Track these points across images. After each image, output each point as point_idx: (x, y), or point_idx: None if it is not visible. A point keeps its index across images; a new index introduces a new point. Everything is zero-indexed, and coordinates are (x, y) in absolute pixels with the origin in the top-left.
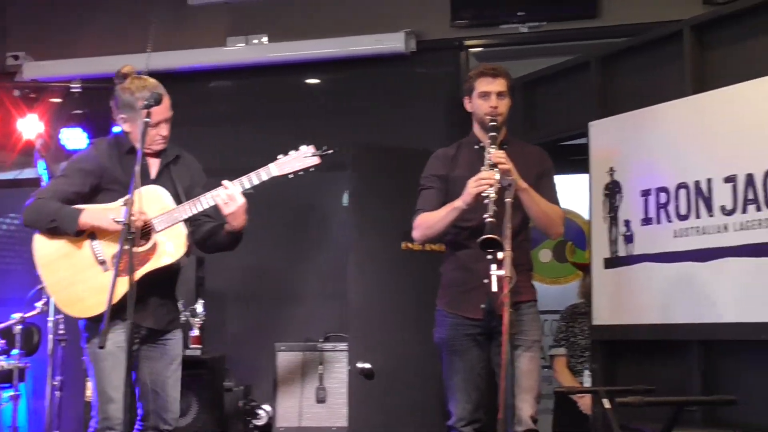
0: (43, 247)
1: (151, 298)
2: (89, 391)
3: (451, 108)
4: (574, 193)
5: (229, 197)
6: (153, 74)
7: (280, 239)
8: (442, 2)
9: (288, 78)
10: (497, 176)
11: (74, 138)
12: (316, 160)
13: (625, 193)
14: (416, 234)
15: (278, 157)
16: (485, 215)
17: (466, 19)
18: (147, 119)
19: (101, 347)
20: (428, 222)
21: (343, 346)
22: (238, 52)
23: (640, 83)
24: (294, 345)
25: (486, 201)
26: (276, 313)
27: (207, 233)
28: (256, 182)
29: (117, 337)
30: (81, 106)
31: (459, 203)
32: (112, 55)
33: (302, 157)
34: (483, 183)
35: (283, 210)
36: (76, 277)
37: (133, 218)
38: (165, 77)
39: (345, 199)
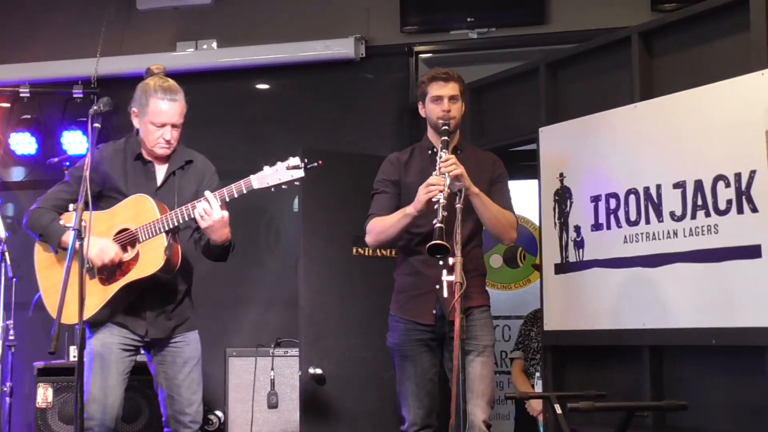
0: (40, 252)
1: (146, 307)
2: (40, 397)
3: (401, 113)
4: (524, 198)
5: (206, 211)
6: (102, 79)
7: (235, 246)
8: (391, 8)
9: (238, 83)
10: (447, 181)
11: (23, 143)
12: (300, 173)
13: (575, 199)
14: (369, 239)
15: (263, 167)
16: (435, 221)
17: (416, 25)
18: (96, 125)
19: (51, 352)
20: (381, 227)
21: (294, 351)
22: (188, 57)
23: (588, 89)
24: (245, 350)
25: (436, 207)
26: (227, 319)
27: (205, 243)
28: (236, 195)
29: (108, 339)
30: (30, 111)
31: (410, 210)
32: (62, 60)
33: (285, 170)
34: (432, 189)
35: (233, 215)
36: (71, 281)
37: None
38: (114, 82)
39: (295, 205)
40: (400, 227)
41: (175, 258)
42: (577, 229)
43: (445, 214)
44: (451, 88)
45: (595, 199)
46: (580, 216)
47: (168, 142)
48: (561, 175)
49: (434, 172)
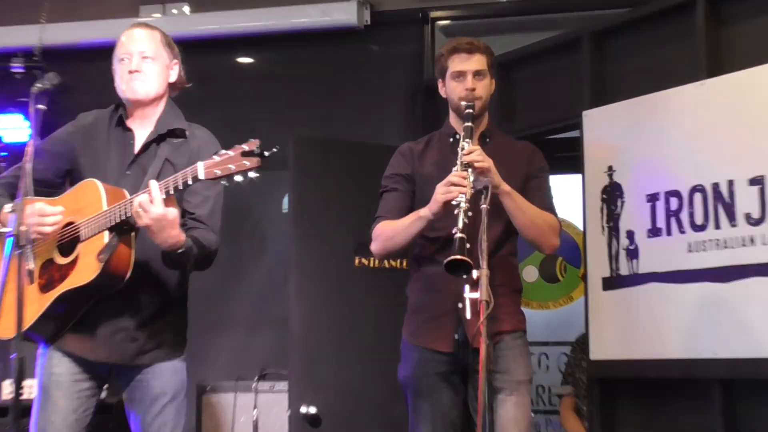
0: None
1: (99, 322)
2: None
3: (414, 94)
4: (564, 197)
5: (142, 206)
6: (48, 50)
7: None
8: None
9: (215, 56)
10: (471, 178)
11: None
12: (255, 162)
13: (628, 198)
14: (375, 247)
15: (213, 156)
16: (454, 230)
17: None
18: (41, 106)
19: None
20: (389, 232)
21: (282, 385)
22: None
23: (643, 64)
24: (222, 385)
25: (456, 211)
26: (201, 346)
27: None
28: (181, 186)
29: (56, 368)
30: None
31: (425, 212)
32: (2, 26)
33: (238, 157)
34: (453, 189)
35: None
36: (9, 286)
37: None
38: (63, 54)
39: (285, 205)
40: (413, 232)
41: (120, 264)
42: (630, 234)
43: (469, 215)
44: (476, 62)
45: (652, 198)
46: (634, 219)
47: (132, 72)
48: (610, 168)
49: (454, 168)
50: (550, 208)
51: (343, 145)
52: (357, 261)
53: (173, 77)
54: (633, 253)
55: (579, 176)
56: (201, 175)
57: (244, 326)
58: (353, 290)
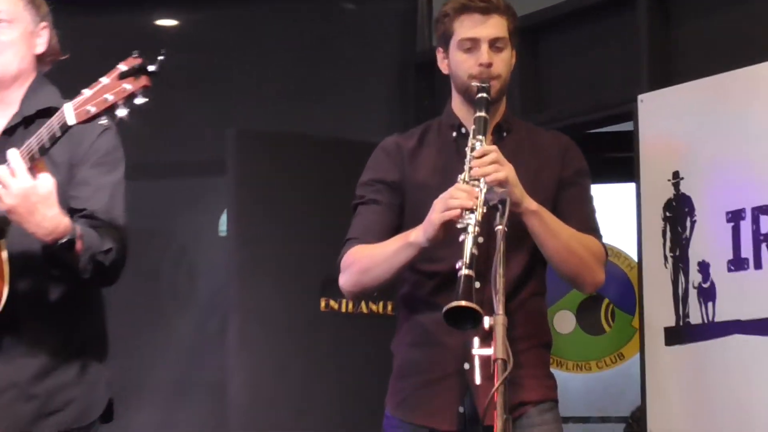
0: None
1: None
2: None
3: (403, 70)
4: (611, 215)
5: (3, 181)
6: None
7: (115, 295)
8: None
9: (123, 17)
10: (483, 190)
11: None
12: (139, 82)
13: (701, 217)
14: (345, 281)
15: (82, 91)
16: (459, 263)
17: None
18: None
19: None
20: (365, 261)
21: None
22: None
23: (726, 29)
24: None
25: (462, 237)
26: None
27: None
28: (48, 144)
29: None
30: None
31: (417, 237)
32: None
33: (115, 82)
34: (455, 203)
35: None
36: None
37: None
38: None
39: (222, 225)
40: (400, 264)
41: None
42: (704, 267)
43: (480, 242)
44: (493, 26)
45: (736, 217)
46: (710, 246)
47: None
48: (675, 175)
49: (460, 176)
50: (592, 229)
51: (306, 141)
52: (323, 303)
53: (41, 47)
54: (708, 294)
55: (632, 186)
56: (71, 119)
57: (167, 393)
58: (318, 344)
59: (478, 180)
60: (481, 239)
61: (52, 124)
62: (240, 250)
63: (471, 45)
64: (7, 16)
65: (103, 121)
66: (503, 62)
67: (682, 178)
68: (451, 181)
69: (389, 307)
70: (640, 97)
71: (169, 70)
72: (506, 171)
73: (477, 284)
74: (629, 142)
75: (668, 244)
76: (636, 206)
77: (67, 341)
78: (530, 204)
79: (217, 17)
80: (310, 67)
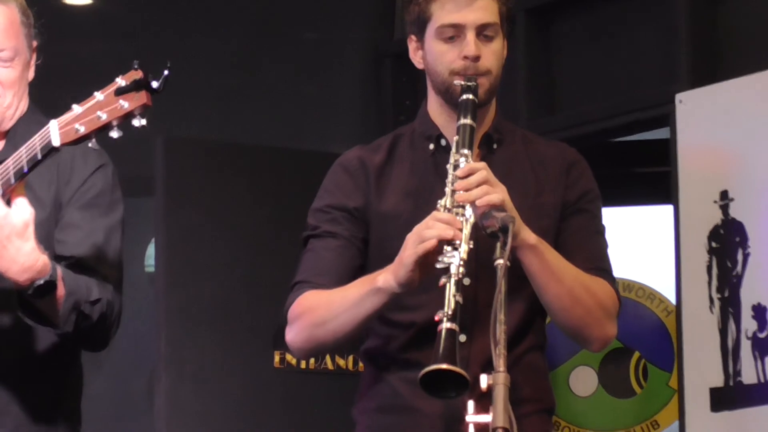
0: None
1: None
2: None
3: (369, 64)
4: (640, 245)
5: None
6: None
7: None
8: None
9: None
10: (469, 219)
11: None
12: (139, 99)
13: (757, 248)
14: (295, 336)
15: (72, 107)
16: (439, 314)
17: None
18: None
19: None
20: (321, 312)
21: None
22: None
23: None
24: None
25: (444, 279)
26: None
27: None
28: (26, 167)
29: None
30: None
31: (386, 281)
32: None
33: (111, 98)
34: (431, 236)
35: None
36: None
37: None
38: None
39: (149, 258)
40: (365, 314)
41: None
42: (761, 312)
43: (466, 285)
44: (481, 9)
45: None
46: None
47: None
48: (724, 196)
49: (440, 202)
50: (602, 269)
51: (255, 153)
52: (278, 358)
53: (32, 73)
54: (765, 346)
55: (668, 209)
56: (56, 140)
57: None
58: (271, 408)
59: (463, 207)
60: (467, 280)
61: (34, 143)
62: (171, 290)
63: (453, 33)
64: (9, 54)
65: (93, 145)
66: (494, 54)
67: (732, 200)
68: (427, 209)
69: (352, 363)
70: (678, 96)
71: (85, 59)
72: (500, 193)
73: (462, 337)
74: (665, 153)
75: (714, 282)
76: (674, 235)
77: (39, 390)
78: (527, 236)
79: None
80: (256, 59)
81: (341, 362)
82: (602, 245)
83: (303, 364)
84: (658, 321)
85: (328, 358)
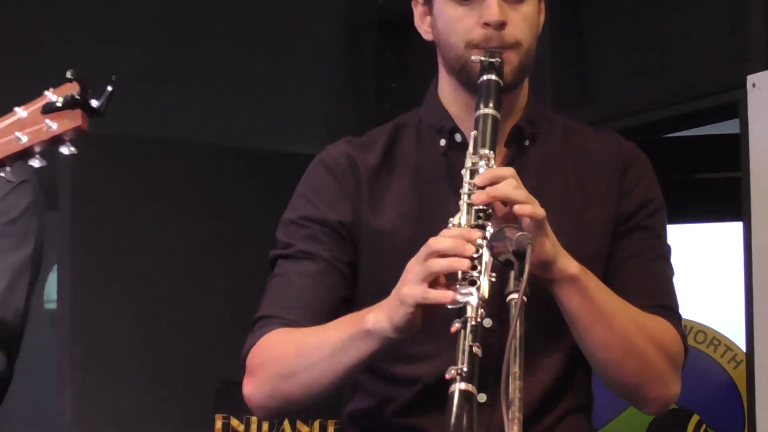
0: None
1: None
2: None
3: (355, 33)
4: (701, 274)
5: None
6: None
7: None
8: None
9: None
10: (487, 239)
11: None
12: (71, 121)
13: None
14: (255, 389)
15: None
16: (451, 370)
17: None
18: None
19: None
20: (291, 358)
21: None
22: None
23: None
24: None
25: (457, 324)
26: None
27: None
28: None
29: None
30: None
31: (380, 322)
32: None
33: (36, 117)
34: (441, 269)
35: None
36: None
37: None
38: None
39: (50, 293)
40: (350, 365)
41: None
42: None
43: (488, 326)
44: None
45: None
46: None
47: None
48: None
49: (453, 219)
50: (664, 306)
51: (192, 153)
52: (220, 423)
53: None
54: None
55: (737, 227)
56: None
57: None
58: None
59: (483, 227)
60: (488, 322)
61: None
62: (78, 334)
63: None
64: None
65: (8, 175)
66: (525, 20)
67: None
68: (436, 227)
69: (330, 431)
70: (750, 78)
71: None
72: (532, 207)
73: (482, 397)
74: (733, 153)
75: None
76: (744, 262)
77: None
78: (567, 265)
79: None
80: (193, 30)
81: (304, 429)
82: (666, 274)
83: (253, 430)
84: (723, 374)
85: (286, 423)
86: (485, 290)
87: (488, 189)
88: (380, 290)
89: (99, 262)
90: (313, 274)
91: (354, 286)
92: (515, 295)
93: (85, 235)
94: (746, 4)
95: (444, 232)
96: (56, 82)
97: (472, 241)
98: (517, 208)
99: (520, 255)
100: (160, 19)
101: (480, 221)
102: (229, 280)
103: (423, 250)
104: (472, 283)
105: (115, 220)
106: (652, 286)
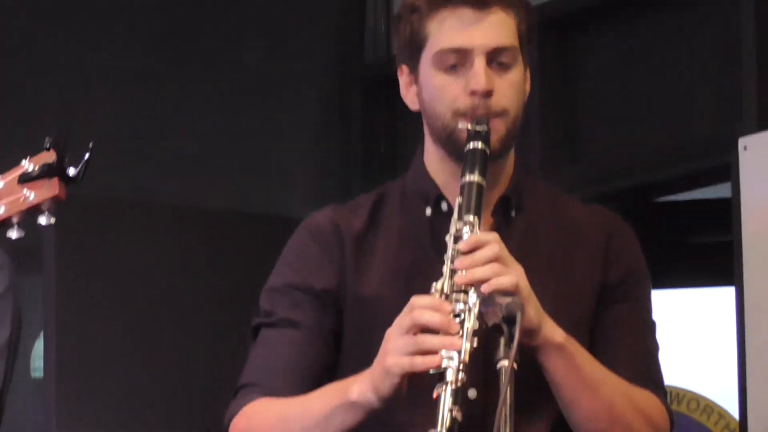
0: None
1: None
2: None
3: (340, 95)
4: (692, 340)
5: None
6: None
7: None
8: None
9: None
10: (473, 309)
11: None
12: (49, 189)
13: None
14: None
15: None
16: None
17: None
18: None
19: None
20: (274, 428)
21: None
22: None
23: None
24: None
25: (437, 389)
26: None
27: None
28: None
29: None
30: None
31: (364, 393)
32: None
33: (13, 187)
34: (426, 340)
35: None
36: None
37: None
38: None
39: (36, 360)
40: None
41: None
42: None
43: (471, 397)
44: (494, 27)
45: None
46: None
47: None
48: None
49: (436, 284)
50: (649, 379)
51: (180, 217)
52: None
53: None
54: None
55: (729, 292)
56: None
57: None
58: None
59: (466, 291)
60: (473, 392)
61: None
62: (64, 402)
63: (457, 60)
64: None
65: None
66: (511, 88)
67: None
68: (421, 293)
69: None
70: (742, 141)
71: None
72: (515, 275)
73: None
74: (725, 216)
75: None
76: (736, 327)
77: None
78: (552, 333)
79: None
80: (178, 90)
81: None
82: (651, 346)
83: None
84: None
85: None
86: (466, 355)
87: (467, 273)
88: (365, 358)
89: (84, 327)
90: (296, 343)
91: (337, 354)
92: (505, 362)
93: (70, 300)
94: (737, 66)
95: (422, 298)
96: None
97: (448, 311)
98: (484, 287)
99: (509, 320)
100: (143, 80)
101: (463, 287)
102: (215, 342)
103: (406, 320)
104: (455, 352)
105: (100, 283)
106: (637, 358)
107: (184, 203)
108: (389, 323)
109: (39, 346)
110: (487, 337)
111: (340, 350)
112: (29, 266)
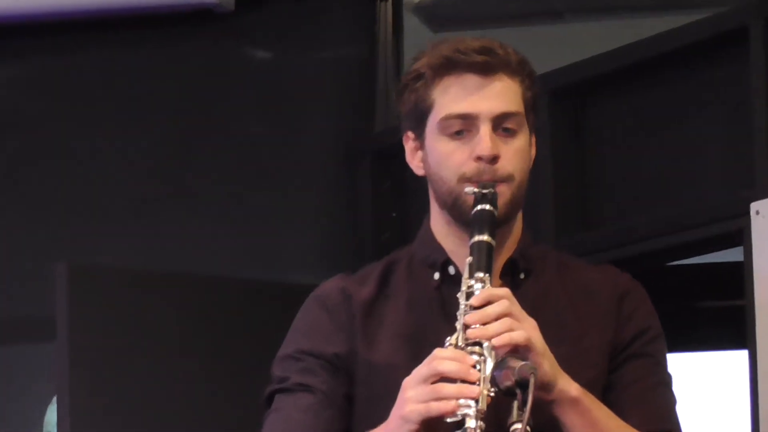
0: None
1: None
2: None
3: (350, 166)
4: (702, 403)
5: None
6: None
7: None
8: None
9: None
10: (487, 359)
11: None
12: None
13: None
14: None
15: None
16: None
17: None
18: None
19: None
20: None
21: None
22: None
23: None
24: None
25: None
26: None
27: None
28: None
29: None
30: None
31: None
32: None
33: None
34: (443, 390)
35: None
36: None
37: None
38: None
39: (48, 425)
40: None
41: None
42: None
43: None
44: (499, 94)
45: None
46: None
47: None
48: None
49: (449, 339)
50: (668, 431)
51: (190, 285)
52: None
53: None
54: None
55: (742, 356)
56: None
57: None
58: None
59: (480, 344)
60: None
61: None
62: None
63: (462, 126)
64: None
65: None
66: (517, 154)
67: None
68: (422, 350)
69: None
70: (754, 206)
71: None
72: (527, 329)
73: None
74: (737, 281)
75: None
76: (749, 390)
77: None
78: (567, 387)
79: (38, 70)
80: (187, 162)
81: None
82: (668, 400)
83: None
84: None
85: None
86: (483, 403)
87: (480, 328)
88: (375, 422)
89: (98, 392)
90: (309, 407)
91: (350, 419)
92: (518, 426)
93: (83, 366)
94: (749, 131)
95: (442, 352)
96: None
97: (467, 363)
98: (496, 341)
99: (522, 384)
100: (153, 151)
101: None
102: (228, 412)
103: (424, 370)
104: (472, 402)
105: (113, 349)
106: (654, 411)
107: (196, 271)
108: (398, 390)
109: (52, 411)
110: (498, 401)
111: (352, 416)
112: (44, 332)
